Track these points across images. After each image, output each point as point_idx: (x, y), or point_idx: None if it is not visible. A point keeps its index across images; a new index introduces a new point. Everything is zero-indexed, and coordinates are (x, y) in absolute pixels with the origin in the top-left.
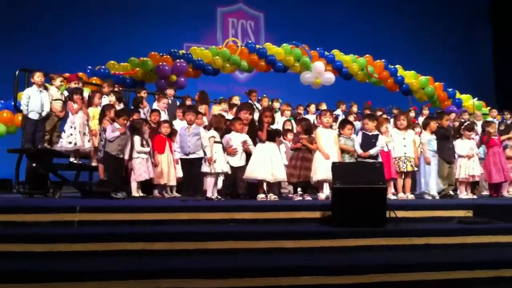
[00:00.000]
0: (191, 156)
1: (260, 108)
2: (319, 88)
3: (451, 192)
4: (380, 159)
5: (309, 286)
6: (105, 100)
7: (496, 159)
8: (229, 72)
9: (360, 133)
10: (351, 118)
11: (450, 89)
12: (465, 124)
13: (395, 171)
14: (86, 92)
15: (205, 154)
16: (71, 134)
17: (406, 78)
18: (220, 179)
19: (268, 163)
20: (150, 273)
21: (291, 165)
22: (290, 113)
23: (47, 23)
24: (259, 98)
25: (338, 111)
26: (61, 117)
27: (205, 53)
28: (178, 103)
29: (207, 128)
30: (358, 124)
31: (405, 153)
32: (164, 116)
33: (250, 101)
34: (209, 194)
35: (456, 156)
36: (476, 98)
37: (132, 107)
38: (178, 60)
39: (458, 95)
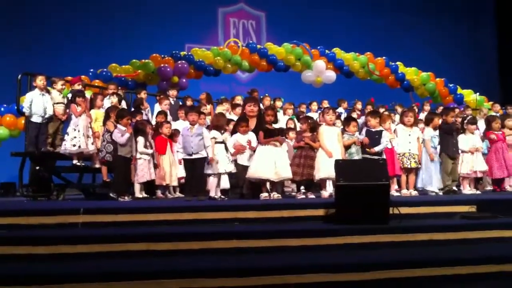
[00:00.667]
0: (194, 156)
1: (262, 107)
2: (320, 86)
3: (454, 188)
4: (384, 156)
5: (314, 283)
6: (107, 102)
7: (498, 155)
8: (230, 72)
9: (364, 130)
10: (354, 115)
11: (451, 85)
12: (468, 118)
13: (399, 168)
14: (88, 95)
15: (207, 154)
16: (75, 137)
17: (407, 75)
18: (225, 179)
19: (271, 162)
20: (155, 274)
21: (295, 164)
22: (292, 111)
23: (48, 26)
24: (261, 97)
25: (340, 109)
26: (64, 120)
27: (206, 54)
28: (180, 104)
29: (210, 128)
30: (359, 121)
31: (409, 150)
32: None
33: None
34: (212, 194)
35: (460, 151)
36: (478, 93)
37: (133, 109)
38: (179, 62)
39: (459, 91)
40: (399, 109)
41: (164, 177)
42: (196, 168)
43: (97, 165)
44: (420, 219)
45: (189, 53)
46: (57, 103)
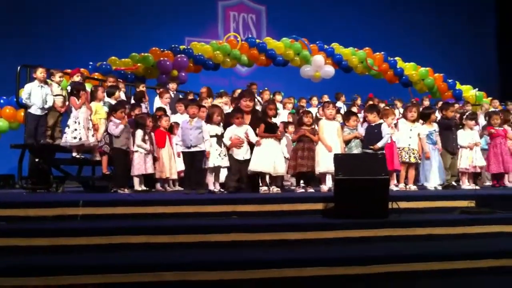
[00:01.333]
0: (193, 149)
1: (261, 101)
2: (319, 81)
3: (453, 183)
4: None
5: (312, 277)
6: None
7: (497, 150)
8: (229, 66)
9: (364, 126)
10: (354, 109)
11: (450, 80)
12: (467, 113)
13: (399, 163)
14: (88, 88)
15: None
16: (75, 129)
17: (405, 70)
18: (223, 172)
19: (271, 156)
20: (154, 266)
21: (298, 156)
22: (292, 106)
23: (49, 19)
24: (260, 91)
25: (339, 103)
26: (62, 112)
27: (205, 48)
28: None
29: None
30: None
31: (409, 145)
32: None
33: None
34: (211, 187)
35: (458, 146)
36: (477, 89)
37: (134, 101)
38: (179, 55)
39: (458, 86)
40: (399, 104)
41: (163, 170)
42: (195, 162)
43: (97, 158)
44: (419, 213)
45: (189, 47)
46: (56, 95)
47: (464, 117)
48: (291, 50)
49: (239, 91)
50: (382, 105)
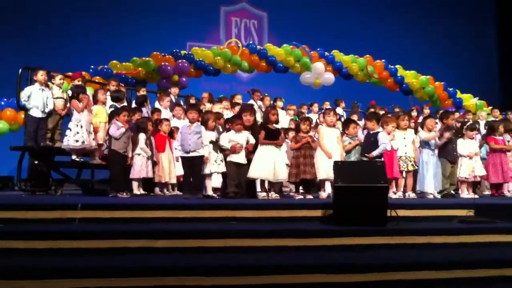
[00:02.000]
0: (191, 154)
1: (262, 107)
2: (319, 88)
3: (452, 192)
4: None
5: (309, 284)
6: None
7: (496, 160)
8: (230, 72)
9: (365, 132)
10: (354, 117)
11: (450, 89)
12: (468, 124)
13: (398, 170)
14: (90, 92)
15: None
16: (78, 133)
17: (406, 78)
18: (217, 178)
19: (271, 163)
20: (152, 271)
21: (301, 163)
22: (294, 112)
23: (50, 23)
24: (261, 97)
25: (339, 109)
26: (63, 115)
27: (206, 53)
28: (181, 102)
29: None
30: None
31: (405, 153)
32: (165, 114)
33: (250, 102)
34: (209, 193)
35: (458, 155)
36: (477, 98)
37: (136, 105)
38: (180, 60)
39: (458, 95)
40: (398, 112)
41: (163, 174)
42: (194, 167)
43: (96, 161)
44: (418, 222)
45: (190, 52)
46: (57, 98)
47: (465, 127)
48: (292, 56)
49: (238, 96)
50: (382, 112)
